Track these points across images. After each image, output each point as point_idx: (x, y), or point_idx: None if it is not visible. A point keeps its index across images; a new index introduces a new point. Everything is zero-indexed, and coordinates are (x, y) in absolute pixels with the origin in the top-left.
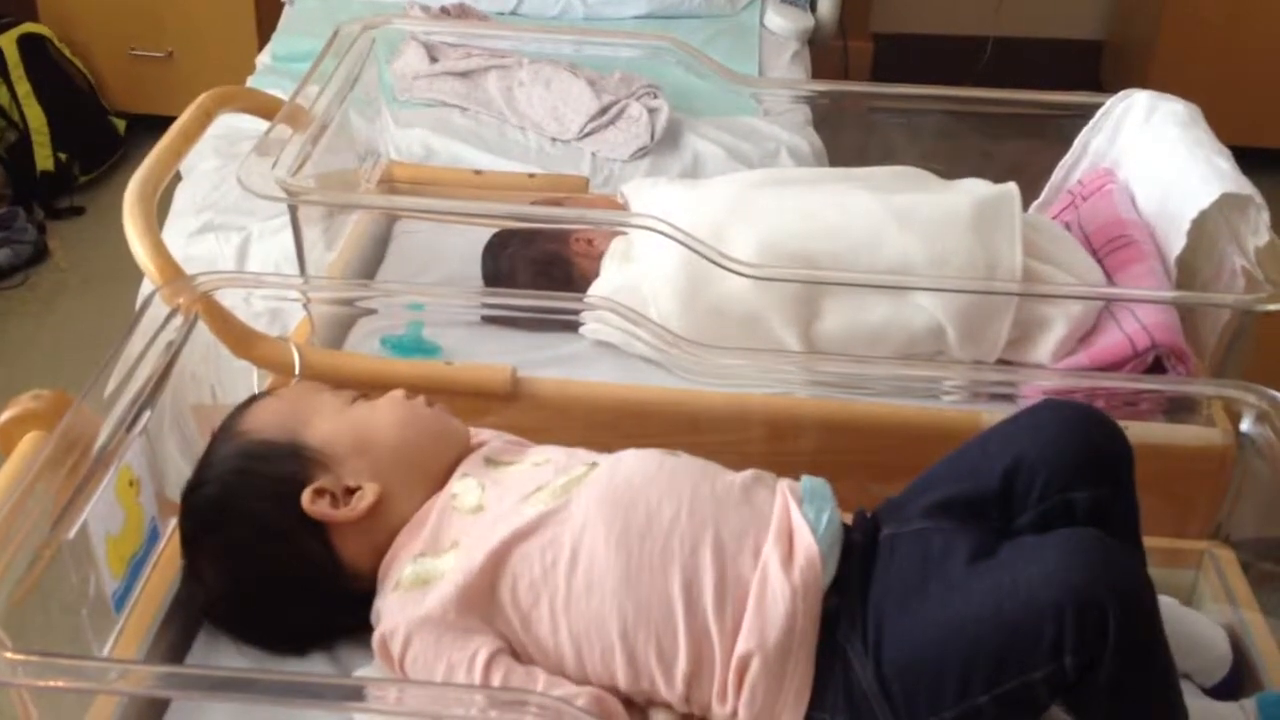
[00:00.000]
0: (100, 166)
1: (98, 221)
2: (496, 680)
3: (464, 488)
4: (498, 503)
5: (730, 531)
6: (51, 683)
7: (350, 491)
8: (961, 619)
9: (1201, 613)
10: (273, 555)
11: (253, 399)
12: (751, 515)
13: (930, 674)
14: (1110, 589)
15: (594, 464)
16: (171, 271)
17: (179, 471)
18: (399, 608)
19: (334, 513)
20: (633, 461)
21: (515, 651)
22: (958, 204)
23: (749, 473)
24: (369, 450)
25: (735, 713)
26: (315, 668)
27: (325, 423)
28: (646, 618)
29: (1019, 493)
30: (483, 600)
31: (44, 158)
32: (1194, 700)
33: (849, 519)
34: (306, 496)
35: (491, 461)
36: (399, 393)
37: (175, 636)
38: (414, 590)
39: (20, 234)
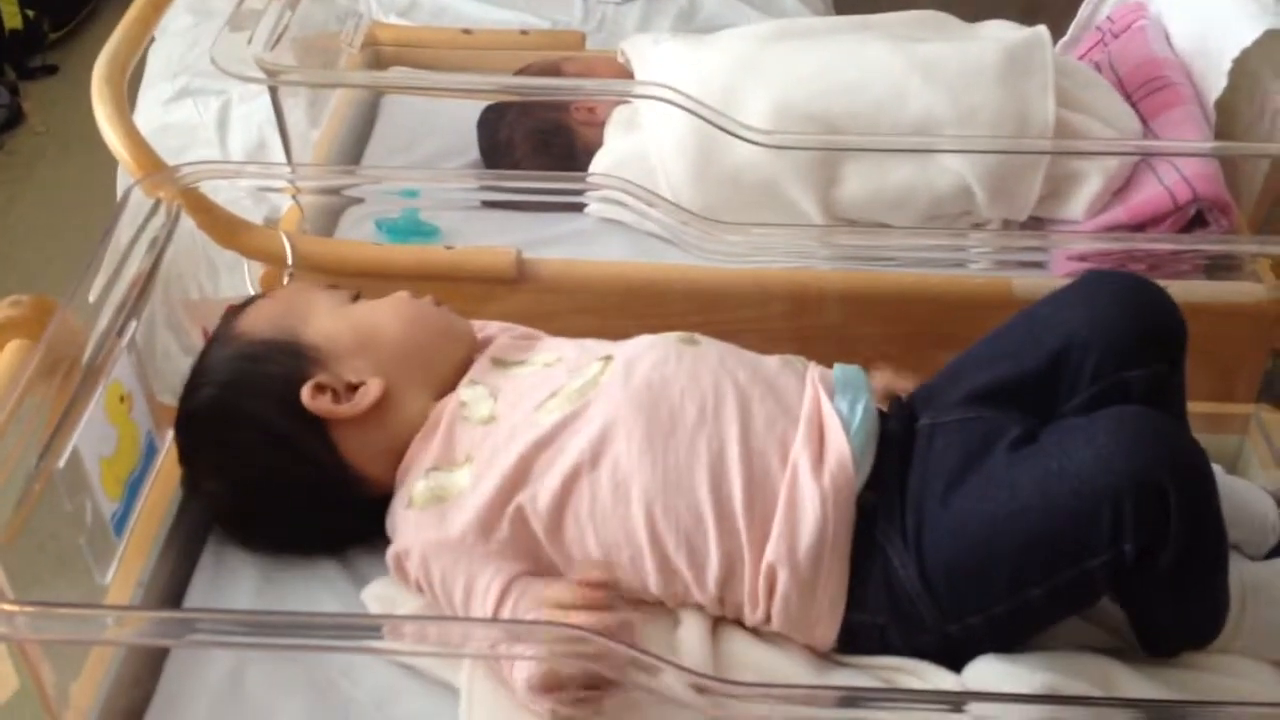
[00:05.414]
0: (70, 22)
1: (72, 80)
2: (508, 609)
3: (473, 395)
4: (510, 411)
5: (757, 429)
6: (53, 636)
7: (353, 388)
8: (1009, 511)
9: (1248, 479)
10: (275, 459)
11: (248, 301)
12: (779, 409)
13: (978, 571)
14: (1168, 468)
15: (608, 358)
16: (149, 163)
17: (178, 371)
18: (414, 528)
19: (336, 408)
20: (649, 356)
21: (539, 568)
22: (984, 52)
23: (775, 359)
24: (372, 346)
25: (768, 618)
26: (327, 573)
27: (325, 319)
28: (676, 522)
29: (1070, 374)
30: (503, 518)
31: (11, 15)
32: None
33: (884, 404)
34: (306, 392)
35: (499, 362)
36: (404, 294)
37: (178, 555)
38: (429, 508)
39: None
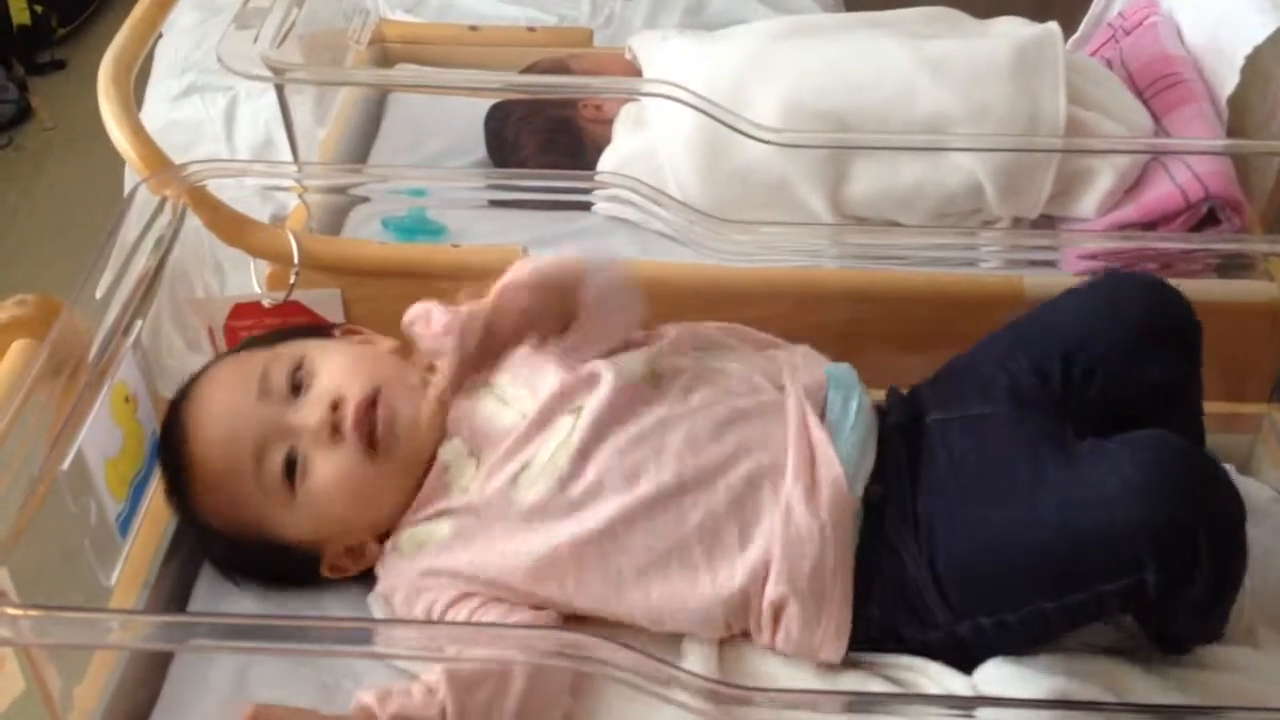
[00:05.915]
0: (79, 17)
1: (81, 76)
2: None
3: (453, 454)
4: (484, 485)
5: (741, 473)
6: (57, 640)
7: (355, 551)
8: (1028, 526)
9: (1260, 479)
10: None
11: (176, 408)
12: (761, 440)
13: (990, 576)
14: (1198, 509)
15: (577, 410)
16: (155, 160)
17: (184, 369)
18: (396, 570)
19: (354, 567)
20: (617, 416)
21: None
22: (995, 50)
23: (744, 381)
24: (342, 524)
25: (773, 645)
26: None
27: (286, 518)
28: (671, 591)
29: (1085, 372)
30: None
31: (20, 11)
32: None
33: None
34: (326, 572)
35: (471, 392)
36: (335, 438)
37: (184, 556)
38: (411, 554)
39: (2, 92)
